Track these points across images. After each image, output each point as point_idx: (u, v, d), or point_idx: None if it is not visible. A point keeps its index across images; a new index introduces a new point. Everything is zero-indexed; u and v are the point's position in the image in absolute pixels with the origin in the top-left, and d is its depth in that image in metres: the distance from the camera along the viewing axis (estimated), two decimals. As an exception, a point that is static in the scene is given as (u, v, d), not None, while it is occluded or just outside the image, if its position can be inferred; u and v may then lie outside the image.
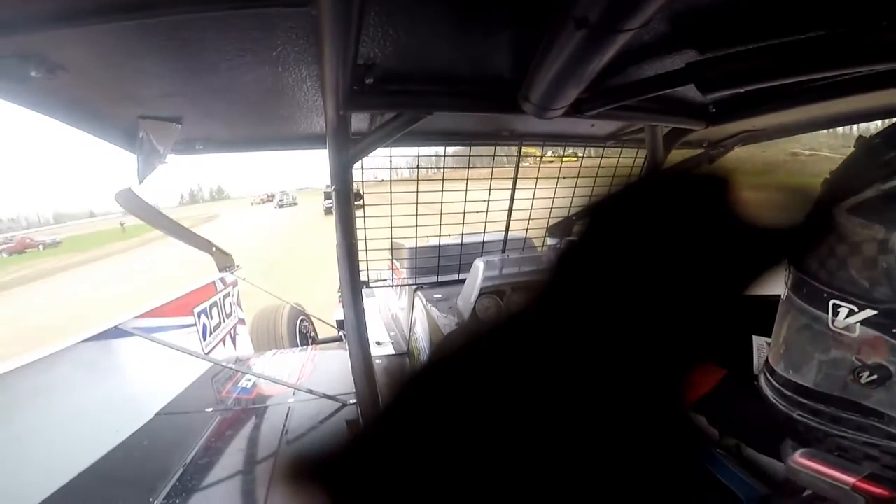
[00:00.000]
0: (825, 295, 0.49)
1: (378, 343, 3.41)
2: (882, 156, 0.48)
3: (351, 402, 2.55)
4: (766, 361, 0.61)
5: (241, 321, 4.14)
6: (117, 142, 1.76)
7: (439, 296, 2.83)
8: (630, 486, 0.44)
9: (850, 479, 0.49)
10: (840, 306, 0.47)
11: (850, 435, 0.49)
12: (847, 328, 0.47)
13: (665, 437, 0.47)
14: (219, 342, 3.62)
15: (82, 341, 2.40)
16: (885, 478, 0.48)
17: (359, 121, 1.82)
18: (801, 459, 0.53)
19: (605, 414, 0.44)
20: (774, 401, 0.57)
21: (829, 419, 0.51)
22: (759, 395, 0.60)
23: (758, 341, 1.65)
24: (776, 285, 0.56)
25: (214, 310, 3.62)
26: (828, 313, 0.48)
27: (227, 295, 3.86)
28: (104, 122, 1.64)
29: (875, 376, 0.46)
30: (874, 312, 0.45)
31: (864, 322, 0.46)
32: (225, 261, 3.86)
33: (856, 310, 0.46)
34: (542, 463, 0.42)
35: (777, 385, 0.56)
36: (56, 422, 2.16)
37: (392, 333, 3.62)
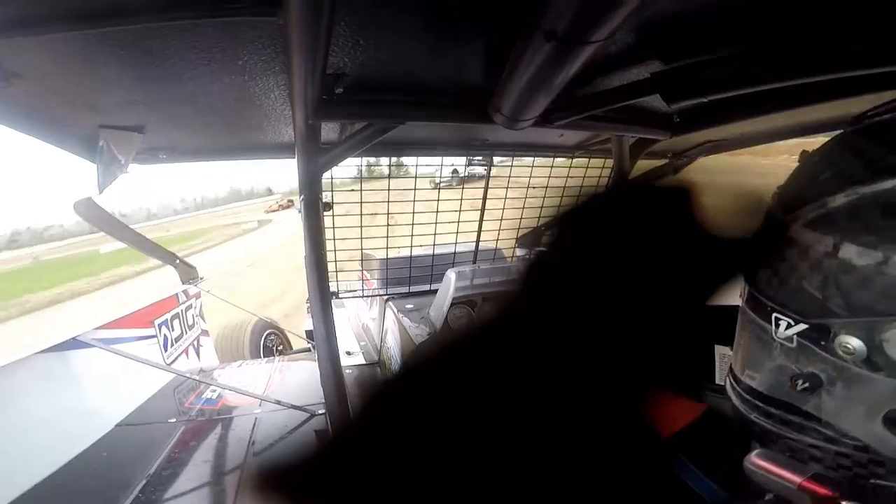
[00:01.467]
0: (769, 308, 0.52)
1: (348, 353, 3.38)
2: (819, 174, 0.51)
3: (320, 412, 2.52)
4: (730, 367, 0.63)
5: (205, 332, 4.06)
6: (76, 151, 1.71)
7: (411, 306, 2.83)
8: (597, 494, 0.45)
9: (797, 479, 0.52)
10: (780, 319, 0.50)
11: (797, 437, 0.53)
12: (787, 339, 0.50)
13: (630, 443, 0.48)
14: (181, 353, 3.54)
15: (39, 352, 2.34)
16: (828, 478, 0.50)
17: (328, 130, 1.81)
18: (755, 459, 0.56)
19: (572, 421, 0.44)
20: (736, 404, 0.60)
21: (780, 422, 0.54)
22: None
23: (720, 350, 1.69)
24: (737, 295, 0.59)
25: (176, 321, 3.54)
26: (771, 325, 0.51)
27: (190, 307, 3.79)
28: (62, 131, 1.59)
29: (808, 384, 0.49)
30: (806, 327, 0.48)
31: (799, 334, 0.49)
32: (188, 273, 3.80)
33: (792, 323, 0.49)
34: (513, 471, 0.42)
35: (738, 389, 0.60)
36: (9, 433, 2.10)
37: (363, 343, 3.59)
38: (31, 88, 1.18)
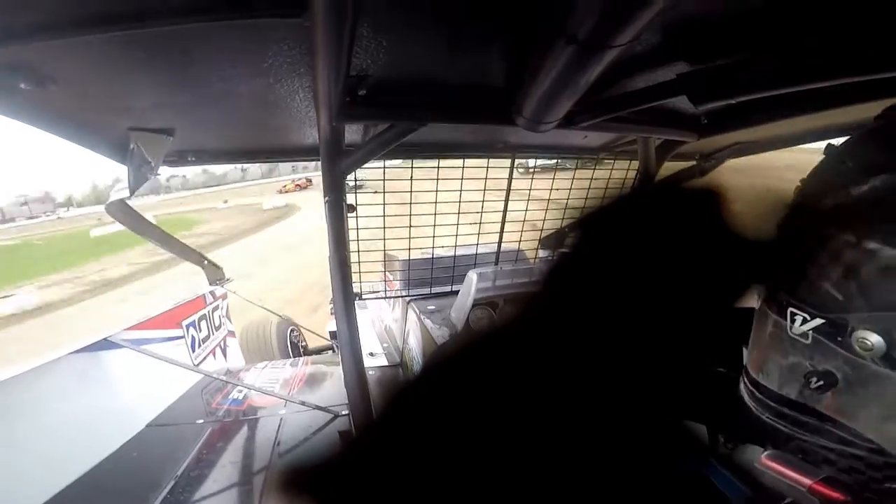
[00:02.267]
0: (784, 303, 0.51)
1: (371, 354, 3.39)
2: (840, 167, 0.50)
3: (343, 413, 2.53)
4: (745, 366, 0.62)
5: (231, 333, 4.12)
6: (108, 153, 1.75)
7: (433, 307, 2.83)
8: (625, 495, 0.44)
9: (807, 482, 0.51)
10: (796, 314, 0.50)
11: (809, 438, 0.52)
12: (802, 335, 0.49)
13: (658, 446, 0.47)
14: (208, 354, 3.60)
15: (72, 353, 2.39)
16: (839, 481, 0.49)
17: (352, 132, 1.83)
18: (766, 461, 0.56)
19: (599, 425, 0.43)
20: (749, 403, 0.59)
21: (792, 422, 0.53)
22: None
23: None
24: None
25: (203, 322, 3.60)
26: (786, 320, 0.50)
27: (217, 308, 3.85)
28: (94, 134, 1.63)
29: (822, 382, 0.48)
30: (822, 321, 0.46)
31: (814, 330, 0.47)
32: (215, 274, 3.86)
33: (808, 318, 0.48)
34: (536, 473, 0.42)
35: (751, 388, 0.59)
36: (45, 433, 2.14)
37: (385, 345, 3.61)
38: (65, 92, 1.21)
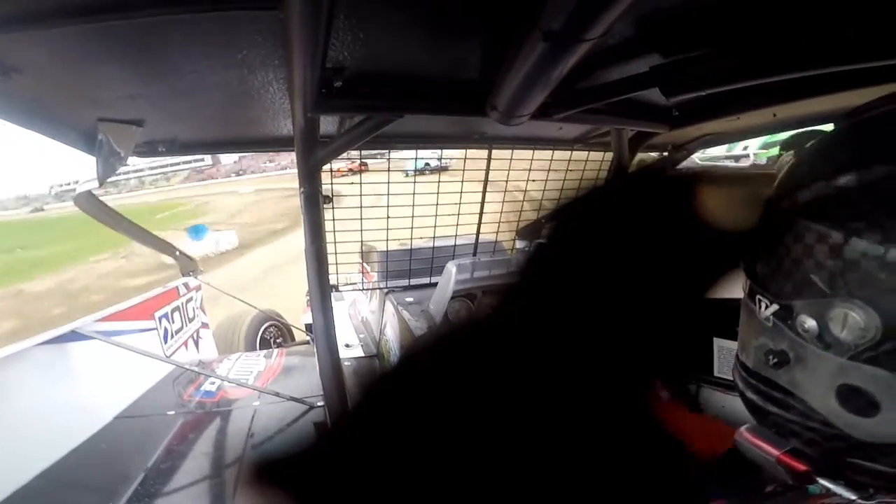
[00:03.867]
0: (754, 289, 0.54)
1: (347, 346, 3.39)
2: (802, 164, 0.53)
3: (319, 404, 2.52)
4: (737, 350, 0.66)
5: (205, 325, 4.07)
6: (75, 144, 1.71)
7: (410, 299, 2.83)
8: (599, 486, 0.45)
9: (775, 452, 0.54)
10: (761, 300, 0.53)
11: (779, 413, 0.55)
12: (766, 319, 0.53)
13: (633, 437, 0.48)
14: (181, 346, 3.55)
15: (38, 344, 2.33)
16: (804, 453, 0.53)
17: (327, 123, 1.81)
18: (744, 433, 0.59)
19: (577, 416, 0.44)
20: (737, 382, 0.63)
21: (766, 398, 0.57)
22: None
23: (719, 343, 1.70)
24: (738, 288, 0.60)
25: (176, 314, 3.55)
26: (755, 305, 0.54)
27: (190, 299, 3.80)
28: (62, 125, 1.60)
29: (777, 360, 0.52)
30: (777, 307, 0.51)
31: (773, 314, 0.52)
32: (188, 265, 3.80)
33: (768, 304, 0.52)
34: (513, 464, 0.42)
35: (739, 367, 0.62)
36: (8, 425, 2.10)
37: (361, 336, 3.60)
38: (31, 83, 1.18)
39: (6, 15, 0.86)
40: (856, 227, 0.44)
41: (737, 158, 7.56)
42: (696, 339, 1.63)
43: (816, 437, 0.51)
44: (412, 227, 2.78)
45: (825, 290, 0.46)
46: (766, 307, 0.52)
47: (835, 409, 0.48)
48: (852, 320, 0.44)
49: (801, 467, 0.52)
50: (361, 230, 2.68)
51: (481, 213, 2.96)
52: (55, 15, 0.87)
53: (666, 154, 2.71)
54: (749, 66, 1.12)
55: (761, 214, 0.53)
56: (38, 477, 2.02)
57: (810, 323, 0.47)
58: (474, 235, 3.07)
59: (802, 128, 2.08)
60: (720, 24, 1.06)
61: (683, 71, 1.19)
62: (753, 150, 7.32)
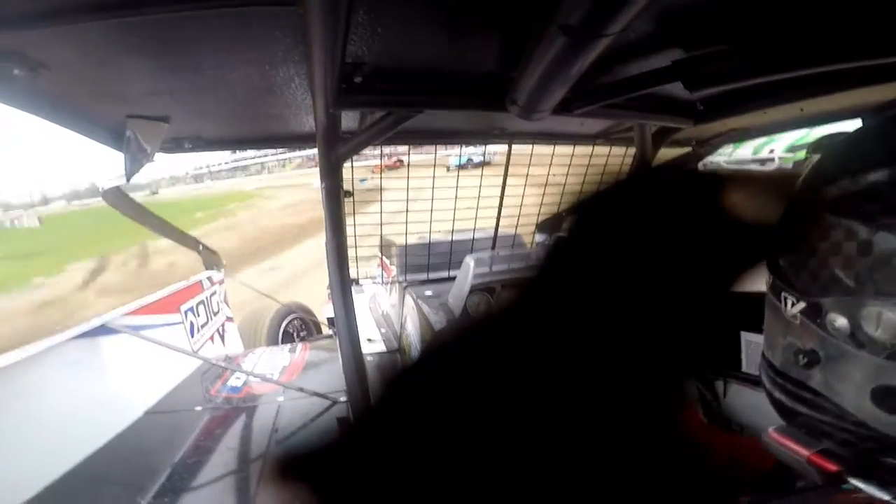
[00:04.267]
0: (779, 287, 0.53)
1: (369, 340, 3.40)
2: (834, 158, 0.52)
3: (342, 399, 2.54)
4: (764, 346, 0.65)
5: (230, 319, 4.12)
6: (104, 140, 1.75)
7: (430, 293, 2.84)
8: (621, 483, 0.45)
9: (806, 453, 0.53)
10: (787, 298, 0.52)
11: (809, 413, 0.54)
12: (792, 317, 0.52)
13: (652, 430, 0.48)
14: (207, 340, 3.60)
15: (69, 339, 2.38)
16: (836, 454, 0.51)
17: (348, 119, 1.82)
18: (773, 434, 0.58)
19: (598, 411, 0.44)
20: (764, 381, 0.62)
21: (795, 398, 0.56)
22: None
23: (746, 337, 1.67)
24: (762, 281, 0.59)
25: (202, 307, 3.60)
26: (781, 303, 0.52)
27: (214, 293, 3.85)
28: (90, 121, 1.63)
29: (807, 360, 0.51)
30: (805, 305, 0.50)
31: (801, 312, 0.51)
32: (212, 259, 3.85)
33: (795, 301, 0.51)
34: (535, 460, 0.42)
35: (765, 367, 0.61)
36: (43, 421, 2.15)
37: (383, 330, 3.62)
38: (59, 79, 1.21)
39: (35, 11, 0.88)
40: (887, 222, 0.43)
41: (762, 162, 7.37)
42: (723, 333, 1.60)
43: (849, 438, 0.50)
44: (430, 221, 2.78)
45: (855, 288, 0.45)
46: (793, 304, 0.51)
47: (870, 410, 0.47)
48: (887, 319, 0.43)
49: (833, 467, 0.50)
50: (381, 224, 2.69)
51: (500, 206, 2.96)
52: (81, 10, 0.89)
53: (690, 150, 2.66)
54: (775, 60, 1.09)
55: (787, 209, 0.52)
56: (69, 473, 2.07)
57: (841, 321, 0.46)
58: (493, 229, 3.06)
59: (830, 123, 2.04)
60: (745, 16, 1.04)
61: (707, 65, 1.17)
62: (779, 154, 7.14)
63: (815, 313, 0.49)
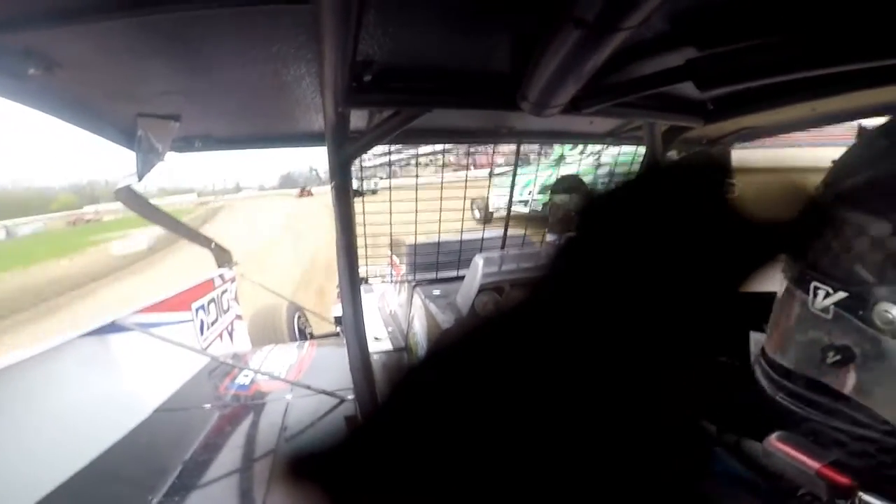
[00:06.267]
0: (808, 277, 0.51)
1: (376, 339, 3.41)
2: (875, 146, 0.50)
3: (349, 397, 2.54)
4: (762, 348, 0.62)
5: (239, 317, 4.14)
6: (116, 139, 1.76)
7: (438, 292, 2.84)
8: (631, 481, 0.45)
9: (815, 465, 0.49)
10: (819, 288, 0.50)
11: (821, 419, 0.52)
12: (823, 310, 0.49)
13: (668, 432, 0.48)
14: (216, 338, 3.62)
15: (80, 336, 2.40)
16: (848, 465, 0.48)
17: (357, 118, 1.82)
18: (775, 442, 0.54)
19: (605, 410, 0.44)
20: (764, 385, 0.59)
21: (806, 402, 0.53)
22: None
23: (755, 337, 1.66)
24: (774, 281, 0.58)
25: (212, 305, 3.62)
26: (809, 294, 0.50)
27: (226, 291, 3.86)
28: (102, 120, 1.64)
29: (839, 357, 0.48)
30: (845, 295, 0.47)
31: (836, 304, 0.48)
32: (223, 257, 3.86)
33: (831, 292, 0.48)
34: (542, 459, 0.42)
35: (766, 368, 0.59)
36: (55, 418, 2.16)
37: (390, 329, 3.62)
38: (71, 78, 1.22)
39: (50, 10, 0.89)
40: None
41: (525, 203, 6.81)
42: (732, 333, 1.59)
43: (870, 449, 0.47)
44: (440, 221, 2.78)
45: None
46: (827, 295, 0.49)
47: None
48: None
49: (846, 481, 0.47)
50: (391, 223, 2.69)
51: (510, 205, 2.95)
52: (95, 9, 0.90)
53: (700, 149, 2.65)
54: (787, 59, 1.08)
55: (818, 200, 0.51)
56: (81, 471, 2.08)
57: (895, 313, 0.44)
58: (503, 228, 3.05)
59: (842, 122, 2.03)
60: (757, 15, 1.03)
61: (718, 64, 1.16)
62: (535, 196, 6.74)
63: (857, 304, 0.46)
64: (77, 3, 0.89)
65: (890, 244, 0.44)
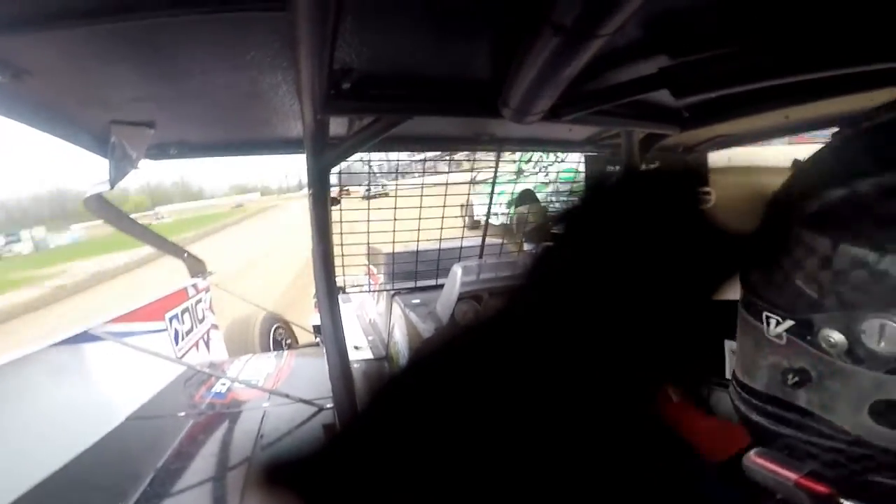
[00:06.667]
0: (759, 306, 0.52)
1: (356, 348, 3.39)
2: (809, 174, 0.51)
3: (327, 406, 2.52)
4: (733, 370, 0.63)
5: (215, 326, 4.09)
6: (88, 146, 1.73)
7: (417, 301, 2.83)
8: (605, 488, 0.45)
9: (793, 476, 0.51)
10: (770, 317, 0.51)
11: (794, 434, 0.53)
12: (777, 336, 0.50)
13: (641, 438, 0.48)
14: (192, 347, 3.57)
15: (52, 345, 2.35)
16: (824, 475, 0.50)
17: (337, 125, 1.81)
18: (754, 457, 0.55)
19: (582, 416, 0.44)
20: (738, 405, 0.60)
21: (777, 420, 0.54)
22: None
23: (730, 345, 1.68)
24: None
25: (187, 315, 3.57)
26: (763, 324, 0.51)
27: (200, 300, 3.82)
28: (74, 127, 1.61)
29: (798, 378, 0.49)
30: (793, 322, 0.48)
31: (787, 331, 0.49)
32: (197, 267, 3.82)
33: (780, 320, 0.49)
34: (520, 466, 0.42)
35: (738, 390, 0.60)
36: (22, 426, 2.12)
37: (370, 338, 3.60)
38: (42, 85, 1.19)
39: (17, 16, 0.87)
40: (879, 236, 0.42)
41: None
42: (707, 341, 1.61)
43: (838, 458, 0.49)
44: (419, 229, 2.79)
45: (851, 303, 0.44)
46: (778, 324, 0.50)
47: (867, 426, 0.45)
48: (891, 331, 0.42)
49: (824, 490, 0.49)
50: (368, 232, 2.69)
51: (488, 214, 2.96)
52: (64, 16, 0.88)
53: (676, 157, 2.68)
54: (759, 67, 1.10)
55: (763, 224, 0.52)
56: (49, 478, 2.04)
57: (837, 337, 0.45)
58: (481, 237, 3.07)
59: (815, 130, 2.07)
60: (731, 23, 1.05)
61: (693, 72, 1.17)
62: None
63: (805, 331, 0.48)
64: (44, 10, 0.87)
65: (825, 273, 0.45)
